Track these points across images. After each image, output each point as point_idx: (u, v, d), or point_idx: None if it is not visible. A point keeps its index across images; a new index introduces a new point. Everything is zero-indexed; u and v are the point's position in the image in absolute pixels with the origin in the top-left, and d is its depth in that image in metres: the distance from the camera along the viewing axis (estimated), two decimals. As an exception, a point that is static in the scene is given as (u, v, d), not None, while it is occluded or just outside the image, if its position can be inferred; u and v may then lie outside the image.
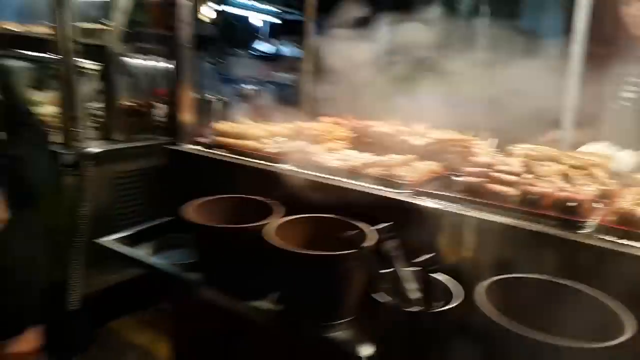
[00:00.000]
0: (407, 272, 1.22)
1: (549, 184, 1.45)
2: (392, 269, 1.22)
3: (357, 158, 1.73)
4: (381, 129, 1.91)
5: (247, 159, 1.85)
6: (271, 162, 1.79)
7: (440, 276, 1.24)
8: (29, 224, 1.35)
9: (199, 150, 1.97)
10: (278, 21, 7.32)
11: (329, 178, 1.63)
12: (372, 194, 1.51)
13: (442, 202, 1.42)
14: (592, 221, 1.28)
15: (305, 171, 1.70)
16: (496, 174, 1.42)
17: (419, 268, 1.22)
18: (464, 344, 1.17)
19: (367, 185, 1.56)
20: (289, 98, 5.30)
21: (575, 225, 1.27)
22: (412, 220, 1.37)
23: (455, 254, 1.32)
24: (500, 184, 1.40)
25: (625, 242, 1.19)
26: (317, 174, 1.67)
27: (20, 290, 1.24)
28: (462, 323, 1.16)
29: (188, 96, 1.99)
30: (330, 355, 1.42)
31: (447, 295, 1.20)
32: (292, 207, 1.55)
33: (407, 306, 1.19)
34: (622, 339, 0.95)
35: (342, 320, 1.35)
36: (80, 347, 2.26)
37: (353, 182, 1.59)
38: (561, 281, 1.14)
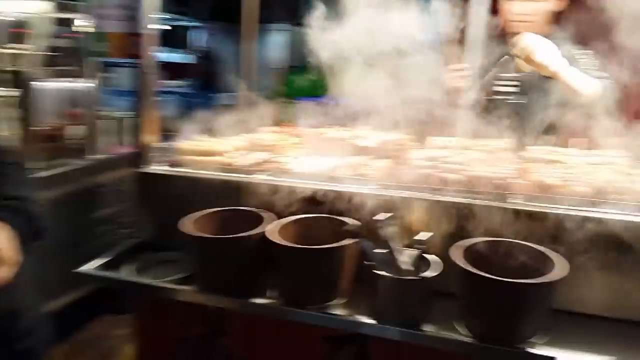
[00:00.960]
0: (399, 250, 1.55)
1: (479, 167, 1.88)
2: (387, 250, 1.54)
3: (323, 162, 2.01)
4: (334, 135, 2.21)
5: (221, 173, 2.03)
6: (246, 174, 2.00)
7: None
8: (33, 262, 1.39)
9: (169, 170, 2.11)
10: (166, 27, 7.21)
11: (305, 183, 1.89)
12: (347, 191, 1.81)
13: (405, 192, 1.78)
14: (517, 193, 1.71)
15: (281, 179, 1.94)
16: (444, 165, 1.81)
17: (409, 247, 1.56)
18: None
19: (340, 185, 1.86)
20: (191, 108, 5.36)
21: (505, 197, 1.70)
22: (383, 209, 1.70)
23: (424, 231, 1.68)
24: (448, 172, 1.79)
25: (542, 204, 1.65)
26: (293, 180, 1.92)
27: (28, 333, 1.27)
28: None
29: (154, 120, 2.12)
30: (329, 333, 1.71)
31: (433, 266, 1.54)
32: (276, 214, 1.80)
33: (401, 276, 1.52)
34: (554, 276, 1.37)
35: (341, 299, 1.65)
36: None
37: (328, 183, 1.88)
38: (507, 240, 1.56)
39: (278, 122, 3.21)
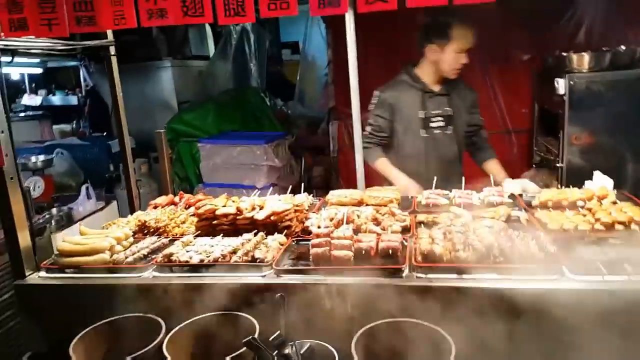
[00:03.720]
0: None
1: (370, 235, 1.91)
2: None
3: (215, 248, 1.93)
4: (225, 211, 2.14)
5: (104, 275, 1.90)
6: (132, 272, 1.88)
7: (320, 345, 1.56)
8: None
9: (49, 278, 1.93)
10: (39, 70, 6.62)
11: (198, 276, 1.82)
12: (242, 283, 1.76)
13: (299, 276, 1.76)
14: (406, 265, 1.74)
15: (172, 274, 1.85)
16: (336, 242, 1.81)
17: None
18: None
19: (234, 275, 1.80)
20: (95, 163, 4.96)
21: (397, 272, 1.72)
22: (280, 299, 1.66)
23: (324, 319, 1.66)
24: (340, 248, 1.80)
25: (431, 275, 1.70)
26: (181, 275, 1.84)
27: None
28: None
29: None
30: None
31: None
32: (171, 315, 1.70)
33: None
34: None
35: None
36: None
37: (222, 274, 1.81)
38: (404, 320, 1.58)
39: (171, 189, 3.06)
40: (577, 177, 2.64)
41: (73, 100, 6.80)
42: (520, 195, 2.48)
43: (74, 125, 6.47)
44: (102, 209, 3.87)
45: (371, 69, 3.77)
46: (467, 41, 2.79)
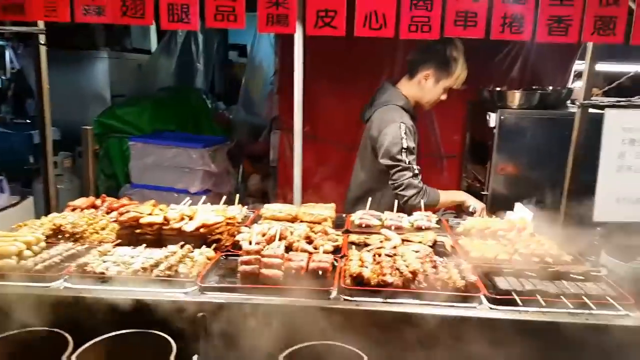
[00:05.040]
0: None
1: (301, 255, 1.89)
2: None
3: (136, 259, 1.83)
4: (150, 219, 2.03)
5: (9, 283, 1.73)
6: (41, 282, 1.74)
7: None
8: None
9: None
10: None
11: (113, 290, 1.70)
12: (162, 300, 1.66)
13: (224, 294, 1.70)
14: (334, 287, 1.73)
15: (85, 286, 1.72)
16: (266, 260, 1.77)
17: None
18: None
19: (154, 290, 1.71)
20: (14, 153, 4.58)
21: (326, 294, 1.71)
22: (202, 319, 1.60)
23: (247, 341, 1.62)
24: (270, 267, 1.76)
25: (358, 298, 1.70)
26: (99, 288, 1.72)
27: None
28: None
29: None
30: None
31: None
32: (81, 331, 1.57)
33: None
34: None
35: None
36: None
37: (139, 289, 1.71)
38: (327, 342, 1.56)
39: (94, 187, 2.90)
40: (500, 205, 2.79)
41: (-3, 83, 6.29)
42: (447, 220, 2.56)
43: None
44: (15, 204, 3.61)
45: (318, 85, 3.79)
46: (461, 81, 2.76)
